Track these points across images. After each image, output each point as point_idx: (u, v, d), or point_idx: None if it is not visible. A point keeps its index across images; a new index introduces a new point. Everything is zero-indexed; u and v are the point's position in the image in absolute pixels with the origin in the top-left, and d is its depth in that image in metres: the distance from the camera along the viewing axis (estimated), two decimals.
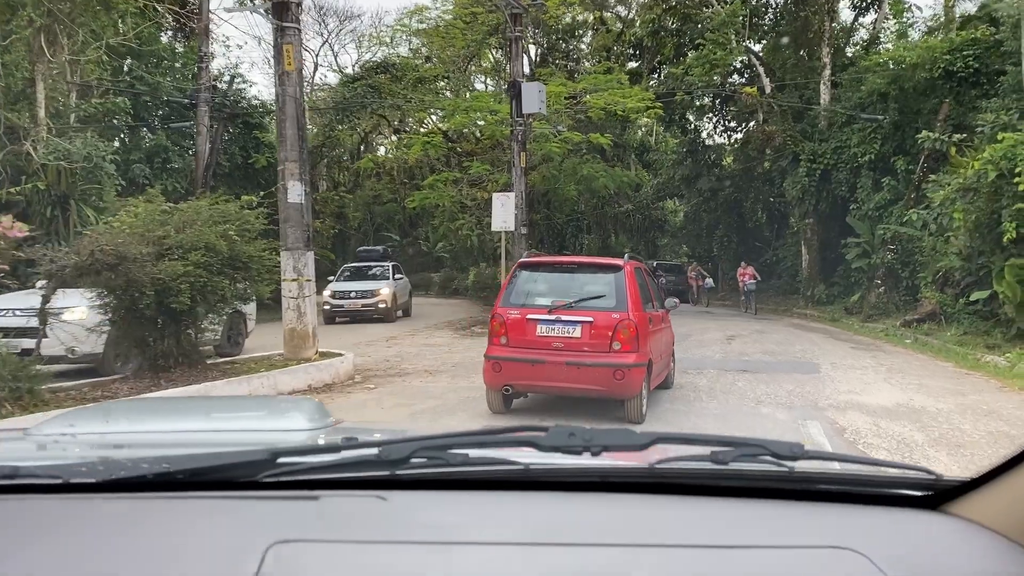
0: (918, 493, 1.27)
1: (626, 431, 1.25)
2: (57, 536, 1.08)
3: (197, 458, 1.22)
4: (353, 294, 20.01)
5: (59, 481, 1.18)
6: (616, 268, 7.78)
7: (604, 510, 1.19)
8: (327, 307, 19.39)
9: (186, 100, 21.68)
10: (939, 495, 1.25)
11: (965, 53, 19.78)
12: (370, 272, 21.44)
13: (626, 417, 7.38)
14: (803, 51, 25.34)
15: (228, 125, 25.47)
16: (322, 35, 39.44)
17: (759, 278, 24.76)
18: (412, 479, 1.21)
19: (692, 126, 31.57)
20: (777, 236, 33.91)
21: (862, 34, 29.31)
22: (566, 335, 7.42)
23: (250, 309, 12.35)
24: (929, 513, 1.23)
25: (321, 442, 1.58)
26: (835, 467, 1.34)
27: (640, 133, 45.91)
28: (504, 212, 17.27)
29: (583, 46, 38.56)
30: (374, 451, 1.21)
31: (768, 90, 24.56)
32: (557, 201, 45.16)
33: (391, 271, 21.24)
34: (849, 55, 27.00)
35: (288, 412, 2.09)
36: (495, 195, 17.54)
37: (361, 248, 24.75)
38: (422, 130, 22.43)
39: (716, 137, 31.81)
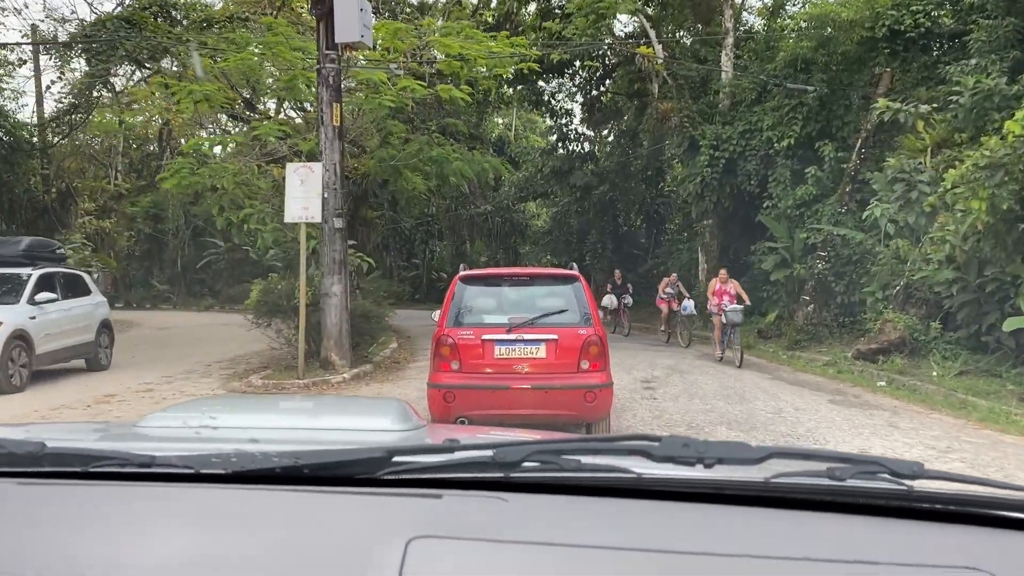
0: None
1: (741, 444, 1.22)
2: (194, 523, 1.12)
3: (322, 454, 1.27)
4: None
5: (192, 471, 1.23)
6: (573, 279, 7.06)
7: (718, 522, 1.17)
8: None
9: None
10: None
11: (914, 8, 15.68)
12: None
13: None
14: (700, 20, 20.77)
15: None
16: None
17: (748, 301, 14.80)
18: (525, 482, 1.22)
19: (560, 108, 26.26)
20: (656, 243, 29.55)
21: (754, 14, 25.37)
22: (529, 356, 6.65)
23: None
24: None
25: (417, 442, 1.65)
26: (956, 488, 1.24)
27: (499, 128, 40.81)
28: (305, 194, 11.07)
29: (435, 32, 32.97)
30: (488, 453, 1.22)
31: (661, 59, 19.77)
32: (403, 199, 39.06)
33: (32, 286, 11.10)
34: (744, 30, 22.77)
35: (378, 412, 2.14)
36: (291, 168, 11.28)
37: None
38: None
39: (590, 126, 26.68)
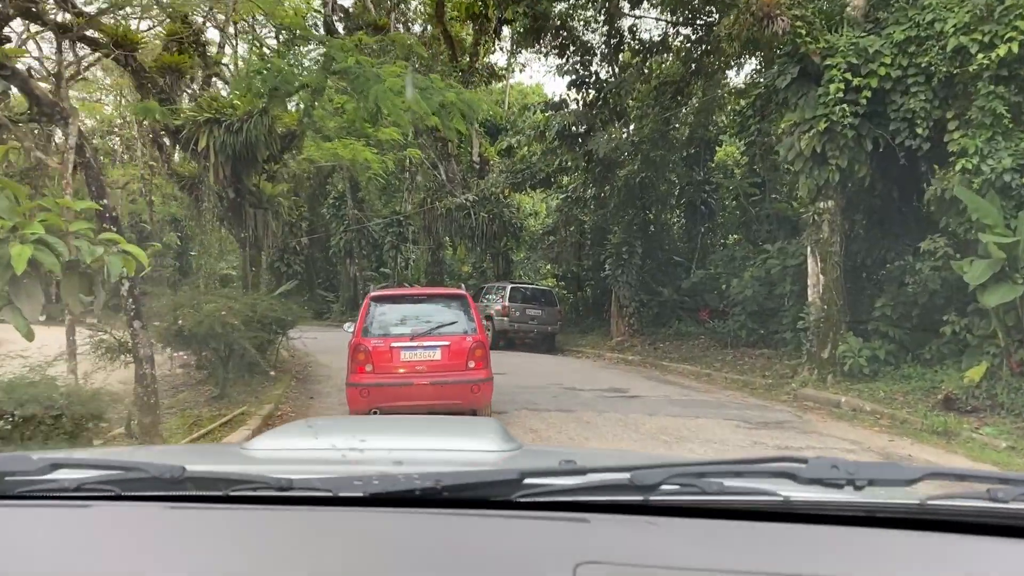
0: None
1: (892, 465, 1.17)
2: (339, 546, 1.12)
3: (462, 475, 1.25)
4: None
5: (330, 494, 1.22)
6: (461, 297, 9.25)
7: (872, 545, 1.11)
8: None
9: None
10: None
11: None
12: None
13: None
14: None
15: None
16: None
17: None
18: (665, 506, 1.19)
19: (577, 40, 17.68)
20: (703, 251, 21.16)
21: None
22: (428, 358, 8.49)
23: None
24: None
25: (523, 462, 1.64)
26: None
27: (485, 107, 32.70)
28: None
29: None
30: (624, 476, 1.19)
31: None
32: (364, 185, 30.58)
33: None
34: None
35: (476, 432, 2.13)
36: None
37: None
38: None
39: (617, 70, 18.23)
